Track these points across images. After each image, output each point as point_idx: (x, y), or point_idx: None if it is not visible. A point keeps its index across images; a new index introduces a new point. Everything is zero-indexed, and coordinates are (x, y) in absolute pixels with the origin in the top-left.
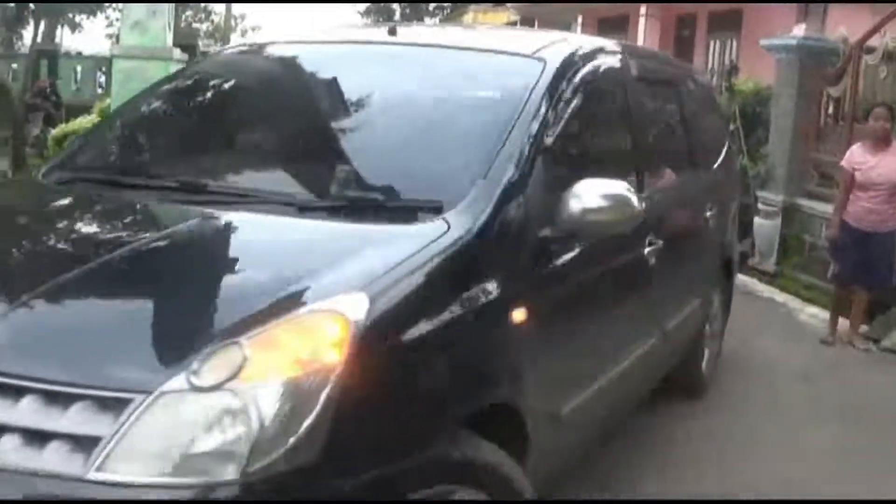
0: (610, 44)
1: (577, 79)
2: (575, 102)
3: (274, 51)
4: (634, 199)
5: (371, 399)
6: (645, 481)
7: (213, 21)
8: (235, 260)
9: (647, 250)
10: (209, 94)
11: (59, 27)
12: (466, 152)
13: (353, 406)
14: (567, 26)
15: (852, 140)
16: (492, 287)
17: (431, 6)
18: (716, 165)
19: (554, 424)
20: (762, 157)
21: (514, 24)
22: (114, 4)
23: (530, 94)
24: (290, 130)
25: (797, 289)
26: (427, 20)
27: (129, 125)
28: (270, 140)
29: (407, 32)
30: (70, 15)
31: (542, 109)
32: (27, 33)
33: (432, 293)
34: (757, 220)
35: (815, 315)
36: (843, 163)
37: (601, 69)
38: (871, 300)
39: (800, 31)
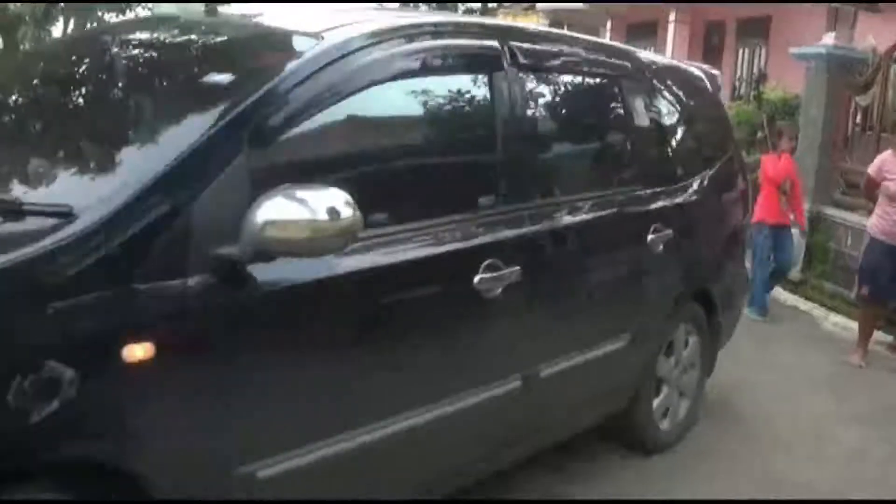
0: (478, 24)
1: (364, 63)
2: (346, 92)
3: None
4: (347, 212)
5: None
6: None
7: None
8: None
9: (479, 278)
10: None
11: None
12: (139, 149)
13: None
14: (595, 32)
15: (879, 150)
16: (82, 314)
17: (460, 9)
18: (693, 179)
19: (233, 491)
20: None
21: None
22: (142, 3)
23: (262, 81)
24: (14, 125)
25: (822, 297)
26: None
27: None
28: None
29: (233, 10)
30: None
31: (272, 100)
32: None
33: None
34: None
35: (838, 323)
36: (871, 170)
37: (431, 54)
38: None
39: (829, 39)
